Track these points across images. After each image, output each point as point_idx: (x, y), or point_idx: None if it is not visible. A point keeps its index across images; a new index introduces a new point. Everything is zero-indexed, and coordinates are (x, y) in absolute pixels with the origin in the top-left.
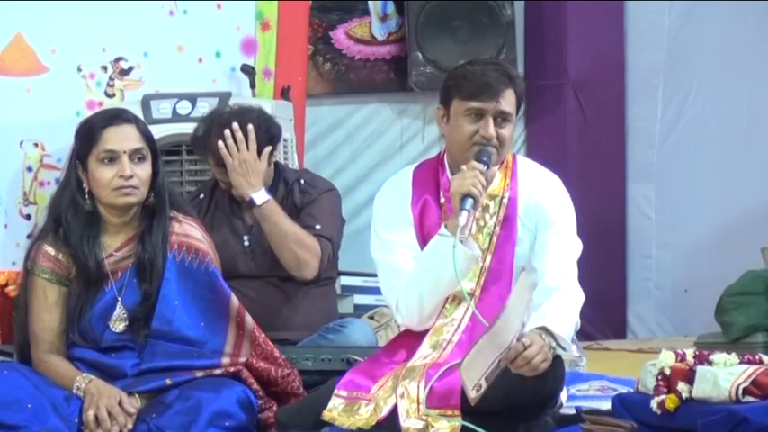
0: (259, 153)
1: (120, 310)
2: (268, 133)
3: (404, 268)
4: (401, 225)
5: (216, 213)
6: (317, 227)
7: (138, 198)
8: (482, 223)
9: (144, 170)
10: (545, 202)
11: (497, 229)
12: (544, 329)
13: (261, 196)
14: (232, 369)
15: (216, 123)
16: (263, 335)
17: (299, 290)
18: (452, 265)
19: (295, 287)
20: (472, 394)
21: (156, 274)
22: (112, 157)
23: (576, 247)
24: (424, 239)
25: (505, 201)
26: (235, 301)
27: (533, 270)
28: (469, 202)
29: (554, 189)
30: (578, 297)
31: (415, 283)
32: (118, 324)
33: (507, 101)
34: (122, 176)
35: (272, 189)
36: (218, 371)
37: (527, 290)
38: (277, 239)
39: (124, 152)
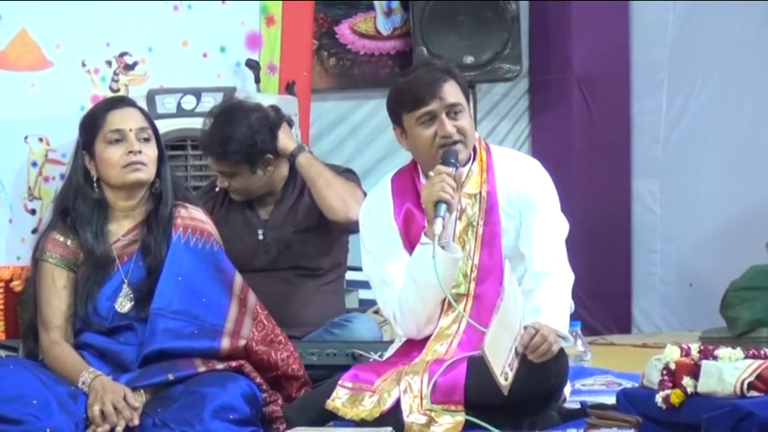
0: (251, 164)
1: (126, 291)
2: (257, 147)
3: (395, 280)
4: (387, 236)
5: (231, 206)
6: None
7: (147, 175)
8: (465, 223)
9: (150, 149)
10: (525, 187)
11: (481, 225)
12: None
13: (303, 146)
14: (234, 364)
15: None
16: (265, 311)
17: (311, 286)
18: (434, 270)
19: (307, 283)
20: (502, 382)
21: (160, 251)
22: (119, 138)
23: (562, 227)
24: (411, 246)
25: (485, 195)
26: (239, 278)
27: (522, 257)
28: (442, 207)
29: (533, 173)
30: (568, 279)
31: (405, 295)
32: (124, 304)
33: (450, 92)
34: (131, 152)
35: (290, 181)
36: (219, 366)
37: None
38: (322, 182)
39: (130, 130)
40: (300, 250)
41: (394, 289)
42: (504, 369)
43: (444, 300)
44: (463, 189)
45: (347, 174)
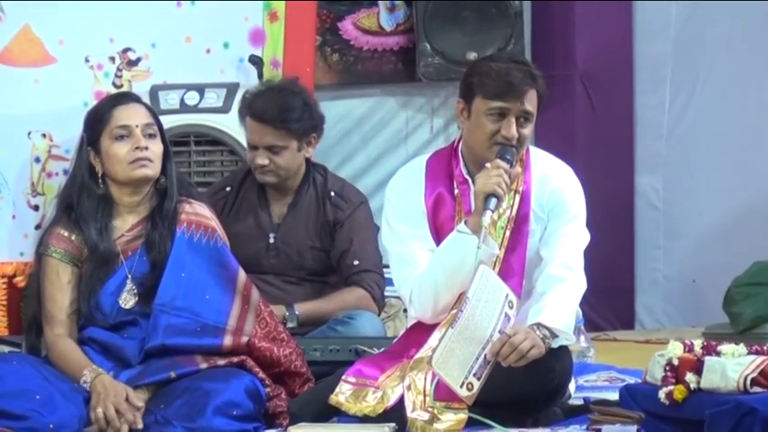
0: (301, 138)
1: (130, 287)
2: (310, 121)
3: (417, 261)
4: (414, 217)
5: (242, 207)
6: (355, 263)
7: (153, 171)
8: (496, 217)
9: (156, 145)
10: (558, 192)
11: (512, 222)
12: (538, 324)
13: (294, 311)
14: (236, 360)
15: (253, 105)
16: (268, 308)
17: (317, 288)
18: (471, 263)
19: (314, 286)
20: (463, 393)
21: (165, 247)
22: (125, 134)
23: (584, 237)
24: (437, 232)
25: (519, 195)
26: (242, 275)
27: (539, 260)
28: (493, 201)
29: (567, 180)
30: (580, 287)
31: (430, 278)
32: (128, 300)
33: (530, 101)
34: (138, 148)
35: (304, 183)
36: (221, 362)
37: (497, 284)
38: (327, 315)
39: (136, 126)
40: (311, 262)
41: (414, 269)
42: (465, 380)
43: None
44: (514, 181)
45: (360, 209)
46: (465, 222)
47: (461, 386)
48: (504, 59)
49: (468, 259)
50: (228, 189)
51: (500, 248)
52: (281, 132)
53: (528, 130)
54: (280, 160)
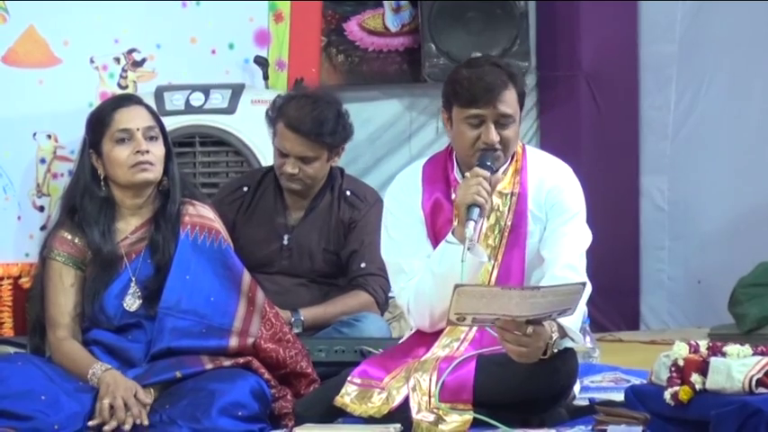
0: (333, 149)
1: (134, 289)
2: (343, 133)
3: (414, 270)
4: (411, 224)
5: (258, 208)
6: (362, 265)
7: (154, 175)
8: (493, 221)
9: (158, 148)
10: (556, 191)
11: (508, 224)
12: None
13: (300, 316)
14: (242, 361)
15: (287, 114)
16: (274, 310)
17: (324, 291)
18: (460, 274)
19: (321, 289)
20: (452, 317)
21: (169, 249)
22: (126, 137)
23: (586, 236)
24: (435, 237)
25: (515, 197)
26: (247, 276)
27: (540, 260)
28: (476, 211)
29: (565, 178)
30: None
31: (424, 288)
32: (132, 303)
33: (507, 102)
34: (139, 152)
35: (324, 188)
36: (227, 362)
37: (575, 298)
38: (335, 314)
39: (137, 129)
40: (321, 264)
41: (412, 279)
42: (465, 312)
43: None
44: (495, 188)
45: (375, 209)
46: (453, 232)
47: (456, 316)
48: (477, 64)
49: (456, 269)
50: (246, 189)
51: (498, 251)
52: (315, 145)
53: (510, 131)
54: (309, 170)
